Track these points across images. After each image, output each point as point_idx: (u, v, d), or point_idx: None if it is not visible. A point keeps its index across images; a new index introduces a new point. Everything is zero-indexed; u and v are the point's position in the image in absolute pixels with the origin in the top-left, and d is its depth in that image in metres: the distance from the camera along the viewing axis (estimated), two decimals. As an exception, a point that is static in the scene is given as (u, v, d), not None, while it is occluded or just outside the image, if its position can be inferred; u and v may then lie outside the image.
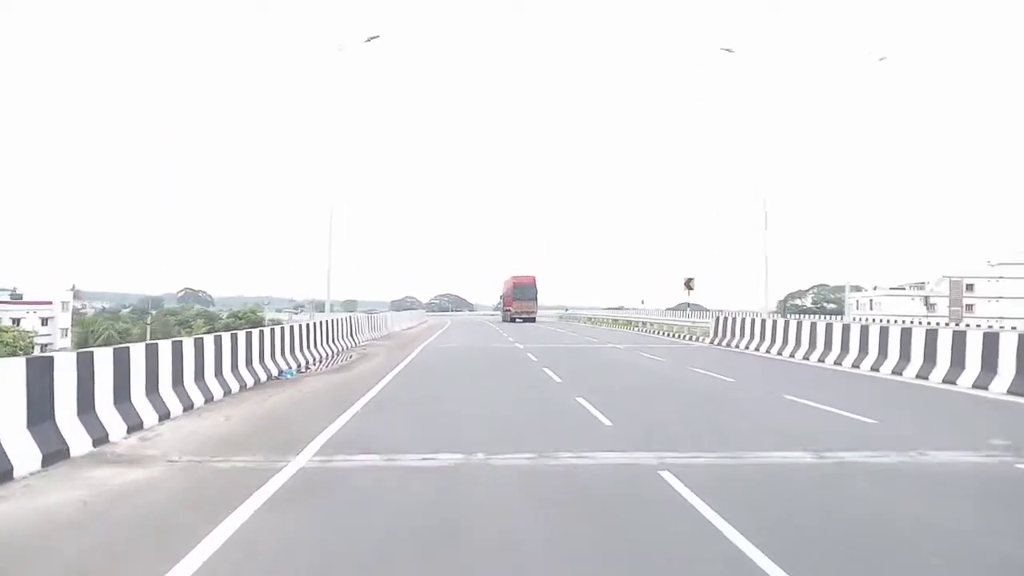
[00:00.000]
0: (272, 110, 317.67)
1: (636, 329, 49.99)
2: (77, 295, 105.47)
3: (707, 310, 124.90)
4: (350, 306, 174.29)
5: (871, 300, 63.37)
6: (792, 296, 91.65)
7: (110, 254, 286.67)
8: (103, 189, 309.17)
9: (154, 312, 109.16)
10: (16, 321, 76.78)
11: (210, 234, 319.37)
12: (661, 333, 42.41)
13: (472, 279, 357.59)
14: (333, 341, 25.12)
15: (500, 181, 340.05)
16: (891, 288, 66.02)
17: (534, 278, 61.41)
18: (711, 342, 32.72)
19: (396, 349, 27.68)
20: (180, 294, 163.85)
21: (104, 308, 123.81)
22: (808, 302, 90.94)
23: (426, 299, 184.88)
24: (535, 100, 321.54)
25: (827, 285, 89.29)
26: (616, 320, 60.97)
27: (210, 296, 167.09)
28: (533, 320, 59.77)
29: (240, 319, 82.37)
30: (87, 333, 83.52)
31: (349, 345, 27.34)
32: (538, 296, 62.50)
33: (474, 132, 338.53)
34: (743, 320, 30.29)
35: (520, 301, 60.46)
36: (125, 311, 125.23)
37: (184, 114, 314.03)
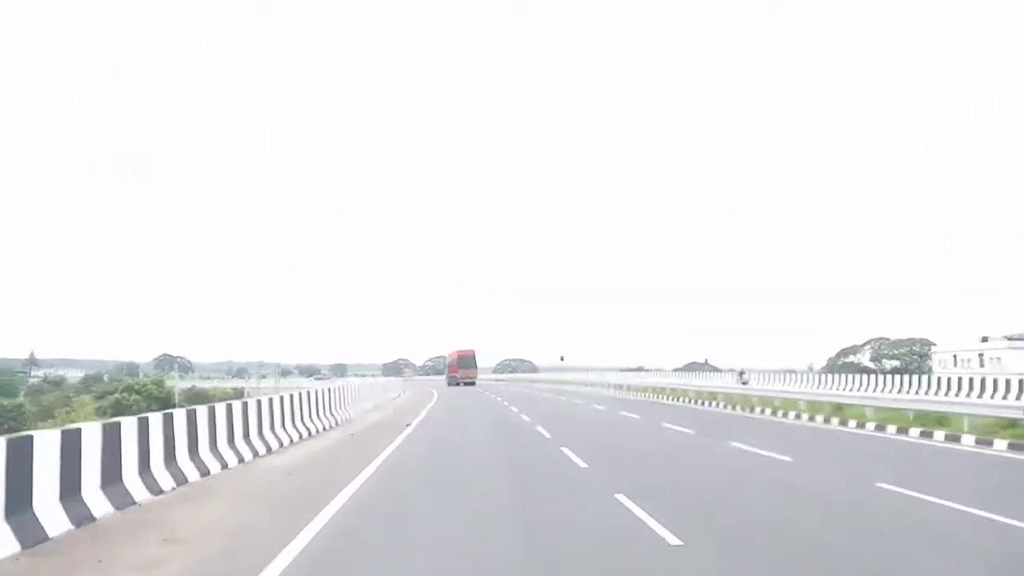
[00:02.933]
0: (257, 165, 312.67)
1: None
2: (34, 362, 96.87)
3: (718, 370, 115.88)
4: (339, 370, 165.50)
5: (955, 356, 54.74)
6: (846, 352, 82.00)
7: (85, 319, 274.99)
8: (75, 251, 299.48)
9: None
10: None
11: (191, 297, 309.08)
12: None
13: (475, 338, 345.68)
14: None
15: (500, 235, 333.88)
16: (1008, 339, 54.75)
17: (473, 351, 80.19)
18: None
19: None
20: (157, 360, 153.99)
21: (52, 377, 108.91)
22: (866, 359, 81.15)
23: (421, 361, 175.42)
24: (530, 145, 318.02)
25: (886, 339, 79.24)
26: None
27: (189, 362, 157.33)
28: (473, 384, 72.83)
29: (136, 392, 67.53)
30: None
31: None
32: (477, 365, 79.84)
33: (471, 180, 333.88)
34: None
35: (463, 369, 76.25)
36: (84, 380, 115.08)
37: (165, 166, 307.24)
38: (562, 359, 79.68)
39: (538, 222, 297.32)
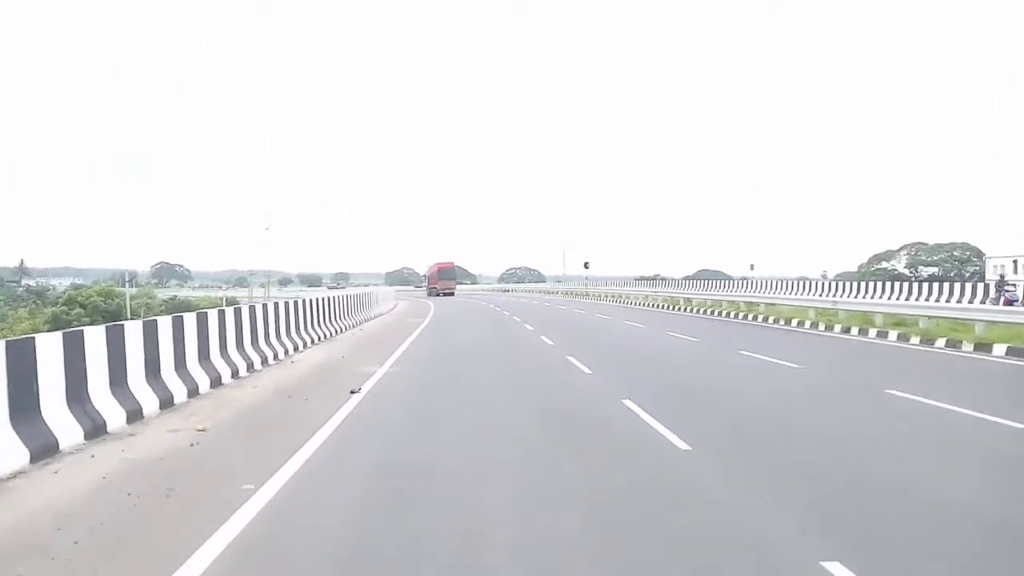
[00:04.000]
0: (267, 82, 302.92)
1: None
2: (24, 271, 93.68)
3: (730, 277, 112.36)
4: (340, 279, 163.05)
5: (1016, 261, 48.91)
6: (878, 258, 73.99)
7: (84, 228, 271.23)
8: (73, 159, 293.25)
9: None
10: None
11: (189, 203, 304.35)
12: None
13: (476, 246, 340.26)
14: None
15: (505, 149, 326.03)
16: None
17: (452, 264, 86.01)
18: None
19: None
20: (155, 268, 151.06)
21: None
22: (901, 265, 72.44)
23: (423, 270, 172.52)
24: (547, 87, 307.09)
25: (924, 243, 71.61)
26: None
27: (188, 270, 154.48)
28: (452, 294, 74.28)
29: (80, 305, 59.83)
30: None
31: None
32: (456, 277, 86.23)
33: (478, 105, 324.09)
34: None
35: (442, 281, 78.53)
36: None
37: (165, 71, 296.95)
38: (586, 266, 71.31)
39: (548, 134, 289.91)
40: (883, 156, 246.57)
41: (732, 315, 31.80)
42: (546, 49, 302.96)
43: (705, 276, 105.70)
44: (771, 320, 27.73)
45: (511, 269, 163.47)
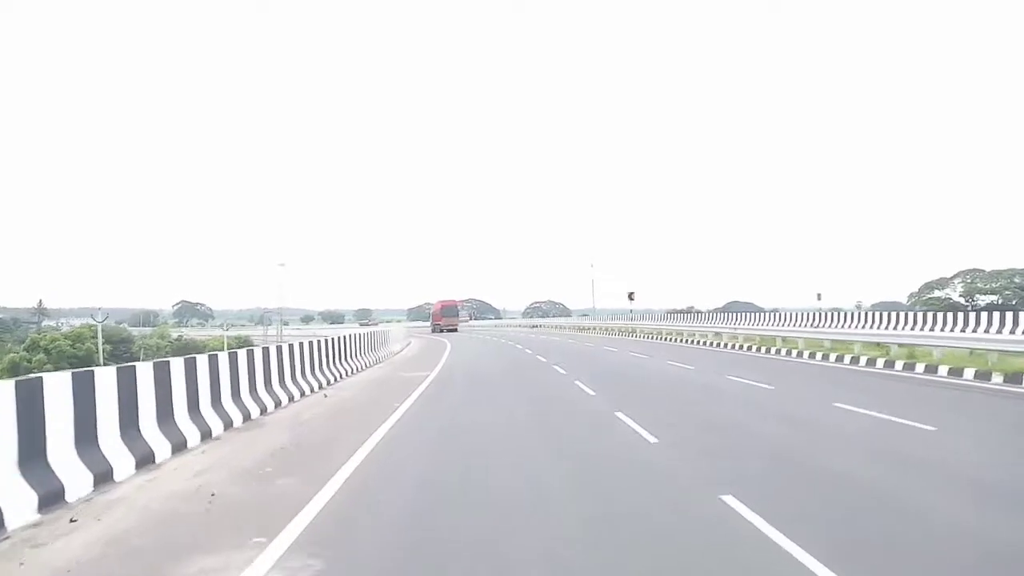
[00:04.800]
0: (274, 113, 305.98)
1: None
2: (43, 311, 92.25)
3: (761, 309, 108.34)
4: (363, 316, 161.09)
5: None
6: (931, 286, 70.18)
7: (106, 267, 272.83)
8: (90, 198, 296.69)
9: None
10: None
11: (213, 242, 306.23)
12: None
13: (500, 280, 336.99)
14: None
15: (529, 181, 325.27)
16: None
17: (455, 302, 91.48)
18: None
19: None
20: (177, 307, 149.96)
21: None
22: (956, 294, 68.13)
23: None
24: (561, 105, 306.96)
25: (981, 270, 66.99)
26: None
27: (210, 309, 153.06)
28: (455, 330, 76.81)
29: (44, 351, 53.52)
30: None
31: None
32: (459, 314, 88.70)
33: (499, 139, 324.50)
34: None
35: (445, 318, 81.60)
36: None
37: (183, 114, 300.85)
38: (631, 297, 61.00)
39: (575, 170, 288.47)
40: (932, 179, 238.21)
41: (788, 352, 28.67)
42: (573, 81, 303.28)
43: (736, 308, 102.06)
44: (832, 358, 24.69)
45: (535, 303, 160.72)
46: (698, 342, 38.63)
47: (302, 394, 16.27)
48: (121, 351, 60.62)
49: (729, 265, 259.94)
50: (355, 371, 22.89)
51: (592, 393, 16.59)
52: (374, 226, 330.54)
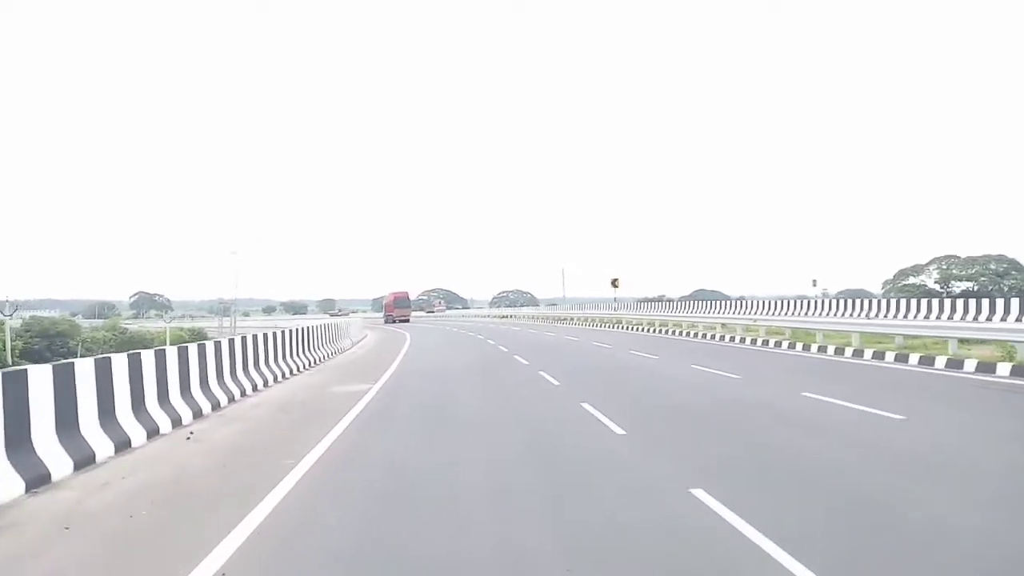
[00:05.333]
0: (246, 104, 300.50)
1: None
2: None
3: (727, 297, 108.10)
4: (327, 306, 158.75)
5: None
6: (905, 272, 67.98)
7: (62, 259, 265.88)
8: (45, 187, 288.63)
9: None
10: None
11: (172, 232, 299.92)
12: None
13: (467, 269, 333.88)
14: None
15: (493, 168, 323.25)
16: None
17: (407, 293, 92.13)
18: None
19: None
20: (134, 298, 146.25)
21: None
22: (931, 280, 66.15)
23: (414, 295, 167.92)
24: (541, 97, 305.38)
25: (956, 256, 65.58)
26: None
27: (168, 300, 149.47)
28: (407, 320, 78.47)
29: None
30: None
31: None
32: (410, 306, 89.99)
33: (465, 125, 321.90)
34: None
35: (398, 309, 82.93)
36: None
37: (145, 99, 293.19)
38: (615, 284, 55.77)
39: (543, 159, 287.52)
40: (905, 165, 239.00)
41: (770, 343, 28.11)
42: (544, 68, 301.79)
43: (703, 296, 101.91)
44: (798, 347, 24.42)
45: (503, 292, 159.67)
46: (671, 331, 37.96)
47: (156, 432, 10.49)
48: (58, 346, 57.81)
49: (698, 252, 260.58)
50: (281, 377, 18.23)
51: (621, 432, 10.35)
52: (339, 215, 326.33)
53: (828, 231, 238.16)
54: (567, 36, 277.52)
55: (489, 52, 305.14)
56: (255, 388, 15.80)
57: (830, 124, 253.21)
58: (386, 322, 78.59)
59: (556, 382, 16.40)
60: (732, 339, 30.13)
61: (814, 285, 50.67)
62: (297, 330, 21.44)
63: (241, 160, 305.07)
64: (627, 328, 44.17)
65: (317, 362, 22.81)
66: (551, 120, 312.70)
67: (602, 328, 47.67)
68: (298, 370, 20.02)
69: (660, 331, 39.20)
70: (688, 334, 35.11)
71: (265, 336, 17.95)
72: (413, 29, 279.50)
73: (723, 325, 34.37)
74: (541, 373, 18.21)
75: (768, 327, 29.18)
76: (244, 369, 15.71)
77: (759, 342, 27.64)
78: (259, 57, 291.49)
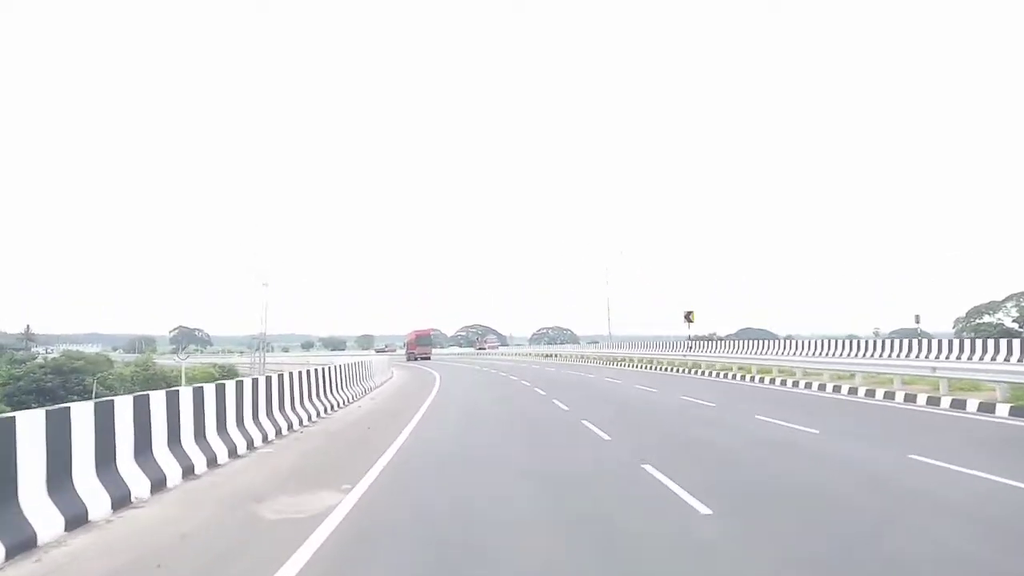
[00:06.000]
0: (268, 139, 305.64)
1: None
2: (30, 337, 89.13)
3: (774, 336, 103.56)
4: (365, 342, 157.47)
5: None
6: (979, 310, 64.25)
7: (101, 294, 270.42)
8: (88, 221, 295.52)
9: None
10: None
11: (211, 267, 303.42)
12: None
13: (506, 306, 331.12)
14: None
15: (534, 204, 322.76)
16: None
17: (430, 331, 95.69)
18: None
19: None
20: (174, 333, 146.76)
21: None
22: (1009, 319, 61.16)
23: (452, 331, 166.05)
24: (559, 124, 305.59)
25: None
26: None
27: (207, 335, 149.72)
28: (428, 358, 78.00)
29: None
30: None
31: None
32: (431, 343, 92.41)
33: (504, 160, 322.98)
34: None
35: (420, 346, 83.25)
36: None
37: (186, 133, 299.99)
38: (689, 318, 47.68)
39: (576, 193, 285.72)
40: (978, 192, 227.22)
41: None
42: (585, 97, 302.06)
43: (750, 335, 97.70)
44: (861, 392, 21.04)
45: (542, 329, 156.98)
46: (717, 374, 34.79)
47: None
48: (73, 384, 56.46)
49: (745, 288, 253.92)
50: (268, 438, 13.89)
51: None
52: (377, 250, 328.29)
53: (886, 266, 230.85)
54: (621, 65, 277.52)
55: (536, 92, 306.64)
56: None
57: (891, 157, 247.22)
58: (408, 359, 78.86)
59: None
60: (784, 383, 27.61)
61: (917, 321, 46.22)
62: (307, 372, 18.92)
63: (282, 195, 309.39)
64: (669, 369, 40.95)
65: (312, 418, 17.54)
66: (595, 156, 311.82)
67: (691, 375, 43.95)
68: (278, 433, 15.08)
69: (708, 373, 36.00)
70: (736, 376, 32.49)
71: (268, 380, 15.43)
72: (458, 68, 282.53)
73: (779, 369, 30.62)
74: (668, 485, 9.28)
75: (832, 371, 25.98)
76: (220, 428, 13.05)
77: (814, 385, 25.16)
78: (301, 89, 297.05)
